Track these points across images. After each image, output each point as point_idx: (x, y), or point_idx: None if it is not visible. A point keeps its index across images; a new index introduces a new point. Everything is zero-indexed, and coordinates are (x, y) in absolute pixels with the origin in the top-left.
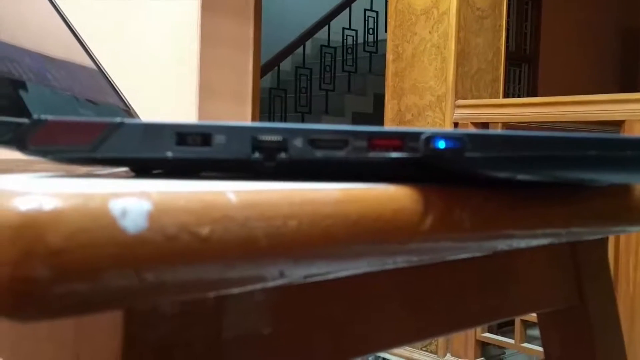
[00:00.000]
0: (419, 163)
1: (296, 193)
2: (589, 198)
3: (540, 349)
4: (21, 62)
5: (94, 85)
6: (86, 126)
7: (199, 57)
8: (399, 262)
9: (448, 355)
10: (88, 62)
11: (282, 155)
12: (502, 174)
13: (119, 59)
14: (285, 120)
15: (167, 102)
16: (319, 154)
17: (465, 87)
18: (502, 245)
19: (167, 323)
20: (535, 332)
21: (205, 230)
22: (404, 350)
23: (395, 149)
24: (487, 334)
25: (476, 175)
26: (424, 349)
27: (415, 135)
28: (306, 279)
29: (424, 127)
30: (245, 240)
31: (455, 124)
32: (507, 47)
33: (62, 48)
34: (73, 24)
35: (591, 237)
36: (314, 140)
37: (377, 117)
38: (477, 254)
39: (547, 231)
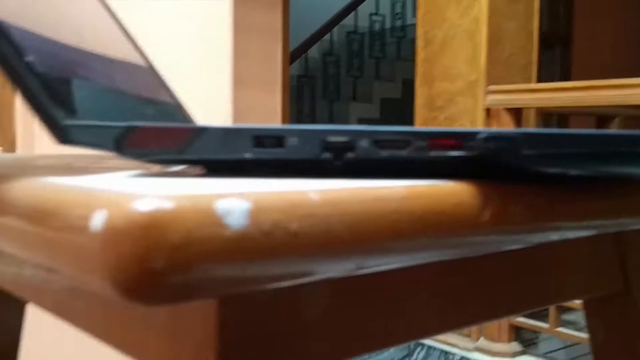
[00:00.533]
0: (475, 161)
1: (367, 191)
2: (634, 191)
3: (574, 333)
4: (92, 66)
5: (150, 83)
6: (174, 131)
7: (232, 47)
8: (458, 253)
9: (482, 339)
10: (140, 60)
11: (350, 155)
12: (554, 170)
13: (153, 51)
14: (314, 107)
15: (202, 92)
16: (384, 153)
17: (497, 72)
18: (553, 236)
19: (255, 306)
20: (569, 316)
21: (294, 227)
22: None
23: (454, 148)
24: (521, 318)
25: (529, 172)
26: (457, 332)
27: (472, 135)
28: (375, 269)
29: (455, 113)
30: (327, 235)
31: (488, 110)
32: (539, 29)
33: (118, 47)
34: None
35: (635, 227)
36: (378, 141)
37: (406, 102)
38: (529, 245)
39: (593, 223)
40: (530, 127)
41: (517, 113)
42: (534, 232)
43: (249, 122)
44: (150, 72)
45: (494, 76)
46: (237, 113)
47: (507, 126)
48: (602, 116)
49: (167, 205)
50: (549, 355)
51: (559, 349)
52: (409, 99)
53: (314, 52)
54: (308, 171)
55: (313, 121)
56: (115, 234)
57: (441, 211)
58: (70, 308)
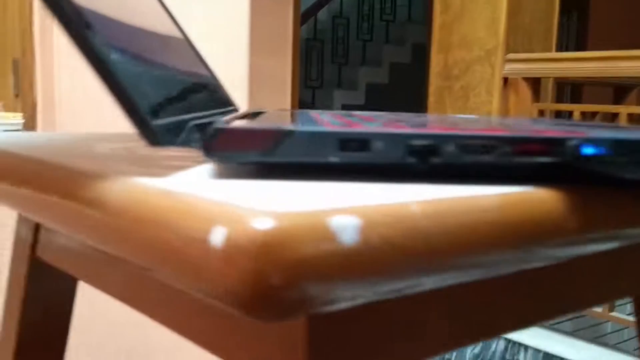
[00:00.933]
0: (562, 166)
1: (464, 202)
2: None
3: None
4: (154, 54)
5: (190, 58)
6: (261, 134)
7: (249, 11)
8: (547, 261)
9: None
10: (181, 36)
11: (435, 159)
12: None
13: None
14: (322, 71)
15: (220, 56)
16: (469, 158)
17: (516, 40)
18: (634, 241)
19: (343, 313)
20: None
21: (399, 241)
22: None
23: (541, 154)
24: None
25: (617, 178)
26: None
27: (561, 141)
28: (466, 280)
29: (471, 82)
30: (428, 248)
31: (505, 79)
32: None
33: (163, 26)
34: None
35: None
36: (464, 145)
37: (416, 67)
38: (612, 248)
39: None
40: (548, 97)
41: (535, 83)
42: (618, 238)
43: (262, 87)
44: (187, 46)
45: (513, 44)
46: (252, 77)
47: (524, 95)
48: (619, 87)
49: (285, 222)
50: (555, 326)
51: (565, 320)
52: (419, 64)
53: (322, 14)
54: (392, 174)
55: (321, 86)
56: (235, 251)
57: (533, 220)
58: (139, 295)
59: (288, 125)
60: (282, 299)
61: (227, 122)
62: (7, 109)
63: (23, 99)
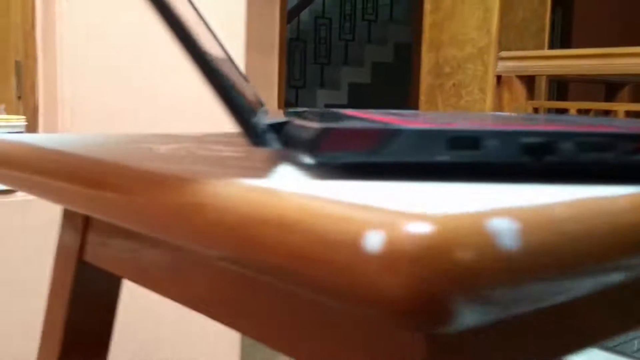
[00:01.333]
0: None
1: (602, 203)
2: None
3: None
4: (222, 64)
5: (234, 69)
6: (368, 133)
7: (245, 13)
8: None
9: None
10: (222, 53)
11: (551, 157)
12: None
13: None
14: (304, 71)
15: None
16: (587, 157)
17: (509, 38)
18: None
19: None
20: None
21: (553, 245)
22: None
23: None
24: None
25: None
26: None
27: None
28: (599, 287)
29: (464, 80)
30: (578, 253)
31: (498, 77)
32: None
33: (213, 43)
34: None
35: None
36: (582, 143)
37: (398, 67)
38: None
39: None
40: (542, 94)
41: (529, 80)
42: None
43: (252, 85)
44: (231, 64)
45: (505, 42)
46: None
47: (518, 94)
48: (611, 84)
49: (445, 225)
50: None
51: None
52: (401, 63)
53: (305, 14)
54: (502, 173)
55: (304, 85)
56: (395, 256)
57: None
58: (209, 299)
59: (395, 125)
60: (444, 306)
61: (324, 122)
62: (9, 111)
63: (25, 101)
